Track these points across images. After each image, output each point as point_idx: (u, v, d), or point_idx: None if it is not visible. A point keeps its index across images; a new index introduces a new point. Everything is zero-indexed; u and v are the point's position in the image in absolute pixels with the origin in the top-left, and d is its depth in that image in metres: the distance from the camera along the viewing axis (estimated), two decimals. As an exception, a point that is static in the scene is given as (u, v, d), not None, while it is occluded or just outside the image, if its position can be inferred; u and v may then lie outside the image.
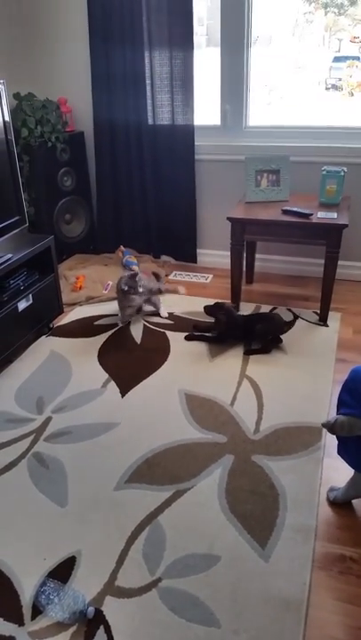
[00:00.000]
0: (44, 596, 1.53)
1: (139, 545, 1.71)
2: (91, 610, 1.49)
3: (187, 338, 2.89)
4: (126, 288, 2.89)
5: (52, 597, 1.52)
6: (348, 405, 1.67)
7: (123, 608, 1.53)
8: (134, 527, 1.77)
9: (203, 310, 2.91)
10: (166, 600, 1.54)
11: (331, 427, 1.67)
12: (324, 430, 2.00)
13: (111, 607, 1.53)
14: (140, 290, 2.92)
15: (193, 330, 2.95)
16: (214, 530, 1.76)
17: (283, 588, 1.56)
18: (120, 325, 3.05)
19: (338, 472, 1.98)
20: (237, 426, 2.23)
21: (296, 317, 3.02)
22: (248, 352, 2.76)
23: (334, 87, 3.95)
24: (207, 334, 2.91)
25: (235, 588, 1.57)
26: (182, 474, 1.99)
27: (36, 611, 1.52)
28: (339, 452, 1.81)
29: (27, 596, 1.57)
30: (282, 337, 2.82)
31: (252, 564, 1.64)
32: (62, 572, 1.63)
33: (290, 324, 2.91)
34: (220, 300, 2.92)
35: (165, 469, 2.01)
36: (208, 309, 2.88)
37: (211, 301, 2.94)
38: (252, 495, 1.89)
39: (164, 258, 3.89)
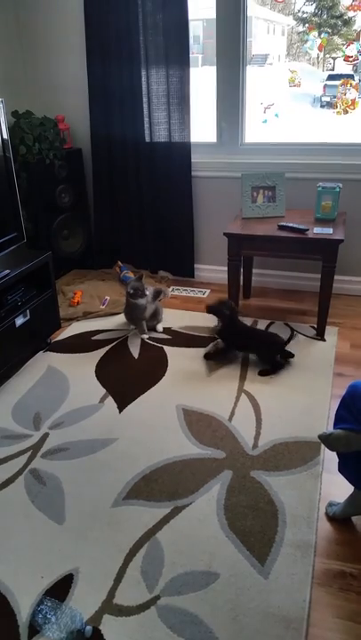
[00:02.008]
0: (41, 615, 1.51)
1: (137, 562, 1.70)
2: (88, 629, 1.47)
3: (205, 357, 2.85)
4: (132, 291, 2.92)
5: (49, 616, 1.50)
6: (346, 421, 1.67)
7: (121, 627, 1.51)
8: (132, 544, 1.76)
9: (205, 311, 2.82)
10: (165, 618, 1.52)
11: (326, 438, 1.67)
12: (323, 445, 2.00)
13: (109, 626, 1.51)
14: (147, 292, 2.96)
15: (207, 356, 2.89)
16: (213, 546, 1.74)
17: (282, 606, 1.55)
18: (146, 337, 3.05)
19: (337, 487, 1.97)
20: (236, 441, 2.23)
21: (293, 332, 3.03)
22: (261, 373, 2.71)
23: (328, 104, 4.00)
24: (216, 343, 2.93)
25: (234, 606, 1.55)
26: (180, 490, 1.97)
27: (33, 630, 1.50)
28: (339, 469, 1.81)
29: (23, 615, 1.55)
30: (290, 351, 2.80)
31: (251, 581, 1.62)
32: (60, 590, 1.61)
33: (288, 341, 2.90)
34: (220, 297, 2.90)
35: (163, 486, 2.00)
36: (211, 308, 2.79)
37: (208, 316, 2.94)
38: (250, 511, 1.87)
39: (162, 273, 3.90)
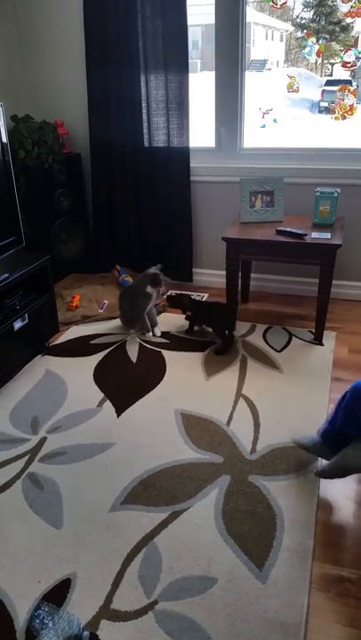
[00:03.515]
0: (38, 621, 1.51)
1: (135, 567, 1.69)
2: (86, 634, 1.47)
3: (216, 353, 2.96)
4: (153, 277, 3.01)
5: (46, 621, 1.50)
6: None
7: (118, 632, 1.50)
8: (130, 549, 1.75)
9: (168, 303, 3.19)
10: (163, 624, 1.52)
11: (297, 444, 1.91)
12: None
13: (107, 631, 1.50)
14: (162, 286, 3.09)
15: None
16: (211, 551, 1.74)
17: (280, 611, 1.54)
18: (152, 335, 3.12)
19: (335, 491, 1.98)
20: (234, 446, 2.23)
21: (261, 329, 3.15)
22: (217, 352, 2.91)
23: (327, 110, 4.02)
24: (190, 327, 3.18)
25: (232, 611, 1.55)
26: (178, 495, 1.97)
27: (30, 635, 1.49)
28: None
29: (21, 620, 1.54)
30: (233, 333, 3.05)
31: (249, 586, 1.62)
32: (57, 595, 1.61)
33: (233, 316, 3.12)
34: (174, 292, 3.22)
35: (161, 490, 1.99)
36: (171, 300, 3.16)
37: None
38: (248, 516, 1.87)
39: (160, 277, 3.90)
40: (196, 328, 3.16)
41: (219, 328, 3.02)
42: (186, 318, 3.18)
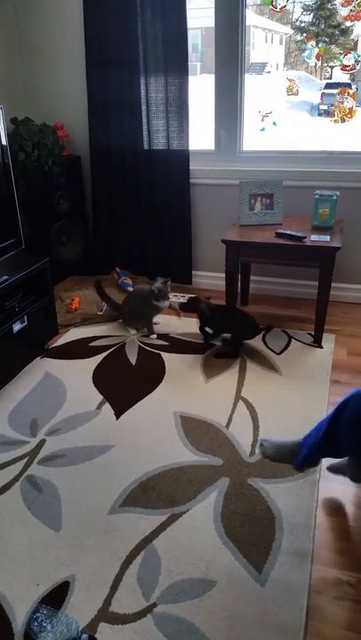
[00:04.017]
0: (36, 623, 1.50)
1: (133, 570, 1.69)
2: (85, 637, 1.47)
3: (216, 356, 2.95)
4: (157, 291, 3.00)
5: (44, 624, 1.49)
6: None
7: (117, 635, 1.50)
8: (129, 552, 1.75)
9: (180, 309, 3.08)
10: (162, 626, 1.51)
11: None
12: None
13: (105, 634, 1.50)
14: (170, 296, 3.09)
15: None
16: (210, 554, 1.74)
17: (279, 614, 1.54)
18: (155, 337, 3.14)
19: (334, 494, 1.98)
20: (233, 448, 2.22)
21: (267, 329, 3.12)
22: (218, 355, 2.90)
23: (326, 113, 4.03)
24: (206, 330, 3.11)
25: (231, 614, 1.55)
26: (177, 497, 1.97)
27: (29, 638, 1.49)
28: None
29: (19, 623, 1.54)
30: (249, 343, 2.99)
31: (248, 589, 1.62)
32: (55, 597, 1.60)
33: (263, 330, 3.05)
34: (190, 295, 3.14)
35: (160, 493, 1.99)
36: (186, 306, 3.04)
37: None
38: (248, 518, 1.87)
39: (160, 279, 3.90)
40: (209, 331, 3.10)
41: (239, 337, 2.96)
42: (200, 329, 3.12)
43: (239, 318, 2.98)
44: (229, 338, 3.00)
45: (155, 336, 3.13)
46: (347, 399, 1.78)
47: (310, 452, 1.97)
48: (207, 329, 3.09)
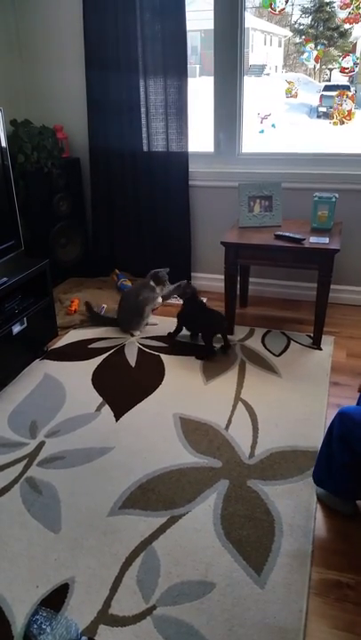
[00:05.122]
0: (35, 626, 1.50)
1: (133, 572, 1.69)
2: (84, 639, 1.46)
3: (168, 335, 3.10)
4: (159, 274, 3.12)
5: (44, 627, 1.49)
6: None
7: (117, 637, 1.50)
8: (128, 553, 1.75)
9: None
10: (161, 629, 1.51)
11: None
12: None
13: (105, 636, 1.50)
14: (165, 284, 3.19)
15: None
16: (209, 556, 1.74)
17: (279, 616, 1.54)
18: (137, 334, 3.18)
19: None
20: (232, 450, 2.23)
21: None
22: (198, 357, 2.93)
23: (325, 115, 4.04)
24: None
25: (230, 616, 1.55)
26: (177, 499, 1.97)
27: (28, 641, 1.50)
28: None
29: (18, 625, 1.54)
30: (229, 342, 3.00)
31: (247, 591, 1.62)
32: (55, 599, 1.60)
33: (225, 325, 3.05)
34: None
35: (160, 495, 1.99)
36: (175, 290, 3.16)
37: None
38: (247, 521, 1.87)
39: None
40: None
41: (206, 333, 3.01)
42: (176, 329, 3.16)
43: (208, 314, 3.03)
44: (201, 336, 3.08)
45: (138, 332, 3.19)
46: (333, 420, 1.81)
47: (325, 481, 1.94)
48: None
